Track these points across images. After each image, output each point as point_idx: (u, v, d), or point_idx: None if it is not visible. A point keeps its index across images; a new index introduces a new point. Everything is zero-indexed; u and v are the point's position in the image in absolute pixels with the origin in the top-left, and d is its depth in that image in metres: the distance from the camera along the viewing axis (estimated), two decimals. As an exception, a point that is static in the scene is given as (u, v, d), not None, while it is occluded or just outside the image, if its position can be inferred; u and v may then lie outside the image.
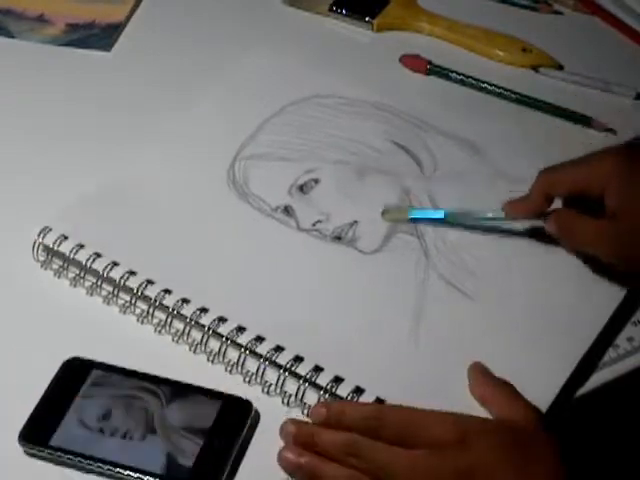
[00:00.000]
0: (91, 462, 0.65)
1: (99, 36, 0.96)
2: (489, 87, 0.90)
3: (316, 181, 0.82)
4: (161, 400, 0.68)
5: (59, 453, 0.65)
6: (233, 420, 0.67)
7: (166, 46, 0.95)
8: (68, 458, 0.65)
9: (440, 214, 0.78)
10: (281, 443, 0.66)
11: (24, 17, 0.98)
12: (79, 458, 0.65)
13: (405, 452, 0.64)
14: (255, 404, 0.68)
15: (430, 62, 0.93)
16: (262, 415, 0.68)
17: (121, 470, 0.65)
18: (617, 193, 0.71)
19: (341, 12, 0.98)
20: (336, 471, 0.64)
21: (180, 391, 0.68)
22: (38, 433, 0.66)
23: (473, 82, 0.91)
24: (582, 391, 0.70)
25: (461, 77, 0.92)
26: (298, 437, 0.65)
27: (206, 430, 0.66)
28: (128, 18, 0.98)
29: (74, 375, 0.69)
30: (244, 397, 0.68)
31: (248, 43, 0.94)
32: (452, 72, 0.92)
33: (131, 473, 0.65)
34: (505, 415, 0.66)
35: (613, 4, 0.98)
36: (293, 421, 0.67)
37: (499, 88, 0.90)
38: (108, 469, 0.65)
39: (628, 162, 0.72)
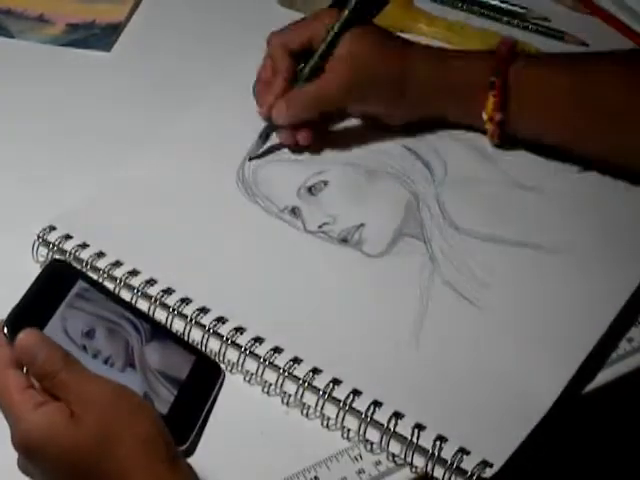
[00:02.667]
0: None
1: (99, 36, 0.95)
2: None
3: (325, 183, 0.81)
4: (141, 336, 0.67)
5: None
6: (204, 380, 0.68)
7: (166, 46, 0.95)
8: None
9: None
10: (244, 411, 0.68)
11: (24, 17, 0.97)
12: None
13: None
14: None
15: None
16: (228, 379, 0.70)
17: None
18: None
19: (338, 13, 0.98)
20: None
21: (158, 332, 0.68)
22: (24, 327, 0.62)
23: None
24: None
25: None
26: None
27: (180, 381, 0.67)
28: (128, 18, 0.97)
29: (60, 280, 0.66)
30: (216, 360, 0.69)
31: (248, 43, 0.94)
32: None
33: None
34: None
35: (613, 4, 0.98)
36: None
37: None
38: None
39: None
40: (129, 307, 0.69)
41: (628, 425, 0.76)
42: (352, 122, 0.86)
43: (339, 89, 0.81)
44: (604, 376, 0.71)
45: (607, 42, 0.95)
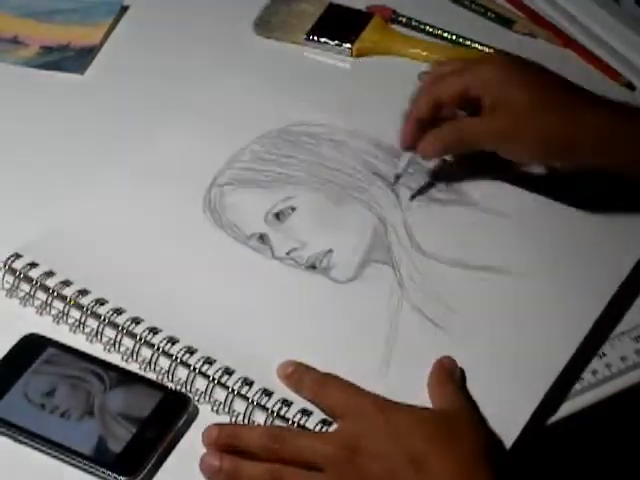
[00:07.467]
0: (24, 434, 0.67)
1: (73, 59, 0.95)
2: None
3: (293, 209, 0.81)
4: (105, 385, 0.70)
5: None
6: (170, 413, 0.69)
7: (140, 71, 0.94)
8: (3, 427, 0.68)
9: None
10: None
11: (-2, 39, 0.97)
12: (14, 429, 0.67)
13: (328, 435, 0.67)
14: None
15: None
16: (201, 412, 0.70)
17: (51, 446, 0.67)
18: (495, 90, 0.79)
19: (318, 40, 0.97)
20: (255, 468, 0.66)
21: (125, 379, 0.70)
22: None
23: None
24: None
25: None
26: (219, 440, 0.67)
27: (141, 419, 0.68)
28: (103, 41, 0.97)
29: (29, 350, 0.71)
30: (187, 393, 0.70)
31: (219, 71, 0.94)
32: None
33: (60, 450, 0.67)
34: (438, 404, 0.69)
35: (586, 36, 0.98)
36: (214, 426, 0.68)
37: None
38: (38, 442, 0.67)
39: (503, 67, 0.81)
40: (96, 361, 0.71)
41: (591, 457, 0.76)
42: (320, 148, 0.86)
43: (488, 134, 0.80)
44: (570, 406, 0.71)
45: (580, 76, 0.95)
